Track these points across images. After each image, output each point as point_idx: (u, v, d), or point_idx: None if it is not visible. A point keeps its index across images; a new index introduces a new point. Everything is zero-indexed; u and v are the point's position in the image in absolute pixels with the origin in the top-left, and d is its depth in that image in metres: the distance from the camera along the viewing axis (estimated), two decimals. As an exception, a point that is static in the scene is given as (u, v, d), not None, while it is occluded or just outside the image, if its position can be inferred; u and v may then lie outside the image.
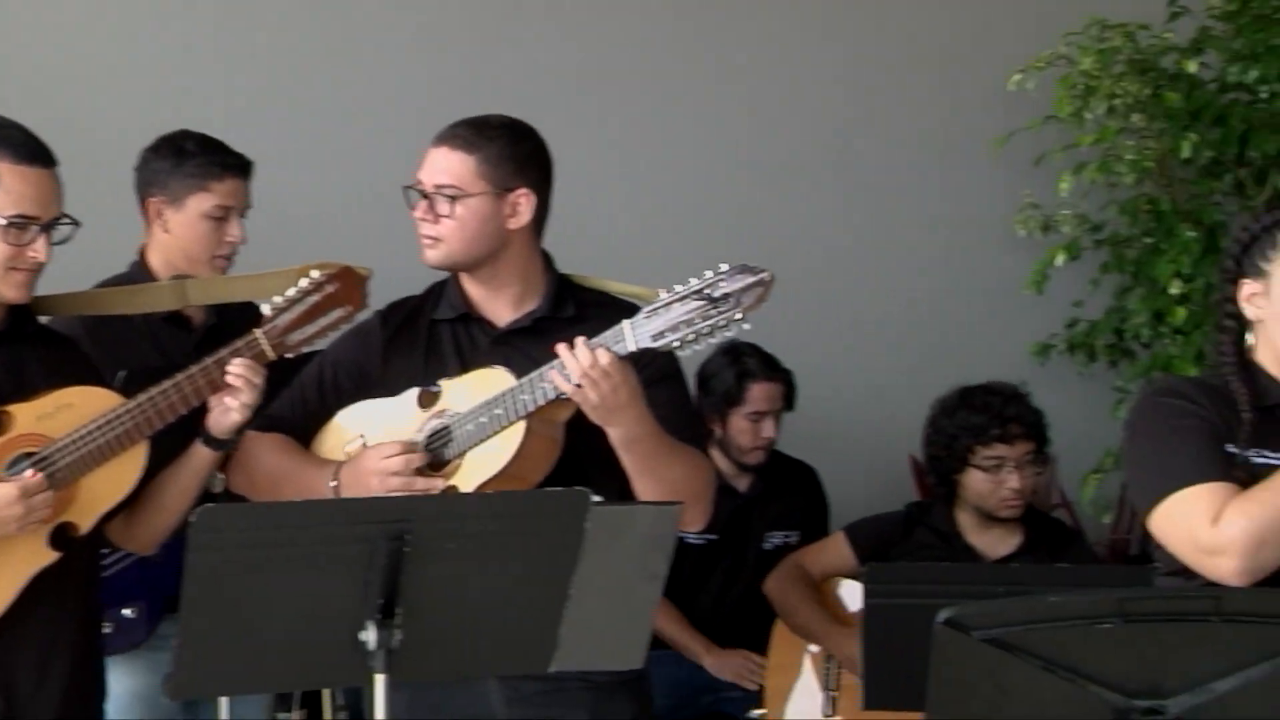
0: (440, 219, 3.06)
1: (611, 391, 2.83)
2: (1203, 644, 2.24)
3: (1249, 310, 2.75)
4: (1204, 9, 5.06)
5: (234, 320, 3.33)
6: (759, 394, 4.59)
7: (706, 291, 2.78)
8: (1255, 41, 4.87)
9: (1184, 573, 2.70)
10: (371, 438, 3.07)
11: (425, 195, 3.07)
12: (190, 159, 3.59)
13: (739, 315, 2.76)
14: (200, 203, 3.59)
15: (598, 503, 2.56)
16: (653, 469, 2.93)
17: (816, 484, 4.80)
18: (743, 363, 4.59)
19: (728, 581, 4.63)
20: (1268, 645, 2.24)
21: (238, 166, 3.61)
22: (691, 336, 2.79)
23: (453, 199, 3.05)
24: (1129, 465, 2.85)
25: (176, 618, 2.47)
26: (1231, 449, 2.67)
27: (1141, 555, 5.07)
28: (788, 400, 4.67)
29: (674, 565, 4.47)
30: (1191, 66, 4.90)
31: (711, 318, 2.77)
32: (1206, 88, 4.97)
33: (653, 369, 2.97)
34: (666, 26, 5.32)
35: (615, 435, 2.89)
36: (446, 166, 3.07)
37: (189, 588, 2.41)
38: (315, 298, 3.05)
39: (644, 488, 2.95)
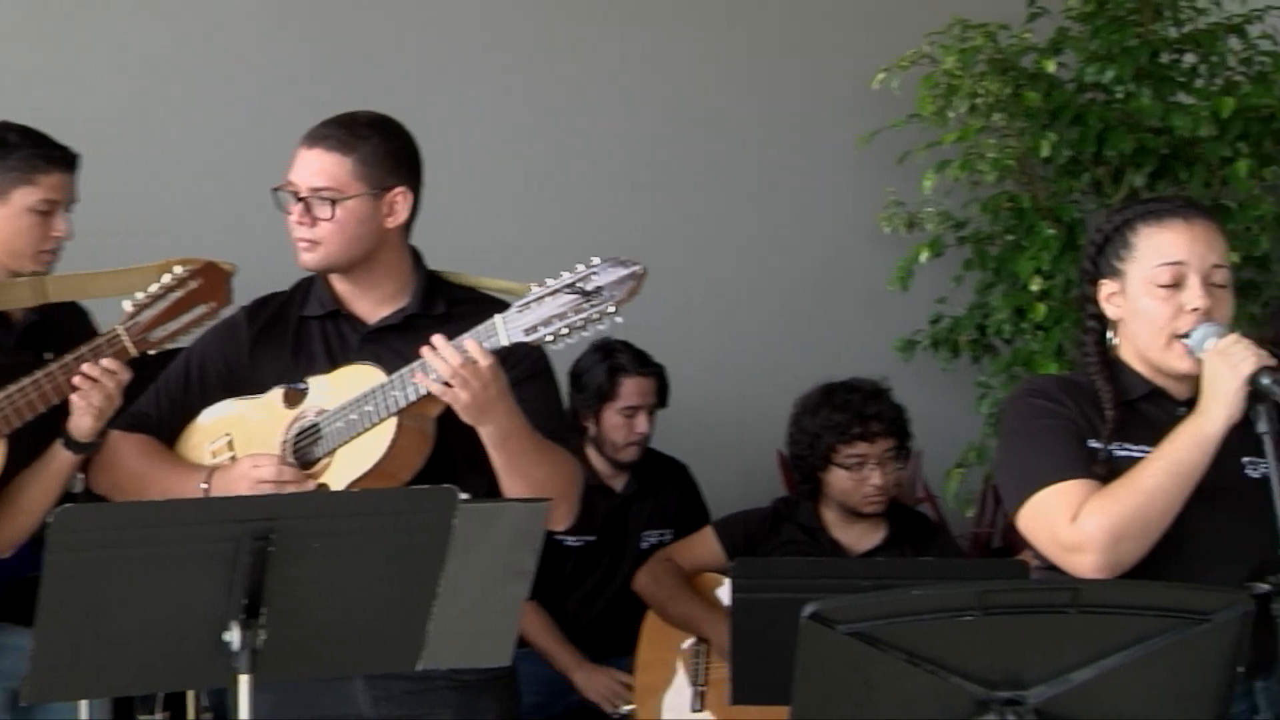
0: (318, 222, 3.02)
1: (482, 389, 2.82)
2: (1061, 635, 2.29)
3: (1109, 310, 2.81)
4: (1062, 10, 5.15)
5: (58, 319, 3.26)
6: (632, 388, 4.60)
7: (579, 285, 2.77)
8: (1111, 42, 4.95)
9: (1054, 568, 2.75)
10: (238, 437, 3.04)
11: (300, 198, 3.03)
12: (14, 152, 3.45)
13: (611, 309, 2.77)
14: (25, 197, 3.44)
15: (465, 500, 2.55)
16: (522, 466, 2.93)
17: (690, 481, 4.82)
18: (615, 358, 4.59)
19: (604, 581, 4.63)
20: (1123, 636, 2.28)
21: (63, 160, 3.47)
22: (564, 330, 2.79)
23: (331, 201, 3.01)
24: (997, 466, 2.90)
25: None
26: (1094, 444, 2.73)
27: (1004, 548, 5.18)
28: (660, 396, 4.68)
29: (552, 567, 4.52)
30: (1050, 66, 4.97)
31: (584, 311, 2.77)
32: (1065, 87, 5.04)
33: (522, 366, 2.97)
34: (537, 21, 5.31)
35: (486, 433, 2.88)
36: (322, 168, 3.03)
37: (47, 589, 2.37)
38: (178, 294, 3.01)
39: (512, 485, 2.94)
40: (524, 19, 5.30)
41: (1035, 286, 4.91)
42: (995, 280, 5.15)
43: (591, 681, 4.50)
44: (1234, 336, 2.64)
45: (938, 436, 5.09)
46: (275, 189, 3.06)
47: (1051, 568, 2.76)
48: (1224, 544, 2.60)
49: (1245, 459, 2.69)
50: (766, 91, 5.49)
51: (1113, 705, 2.33)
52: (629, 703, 4.42)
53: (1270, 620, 2.50)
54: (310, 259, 3.06)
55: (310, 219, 3.02)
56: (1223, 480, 2.65)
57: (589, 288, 2.76)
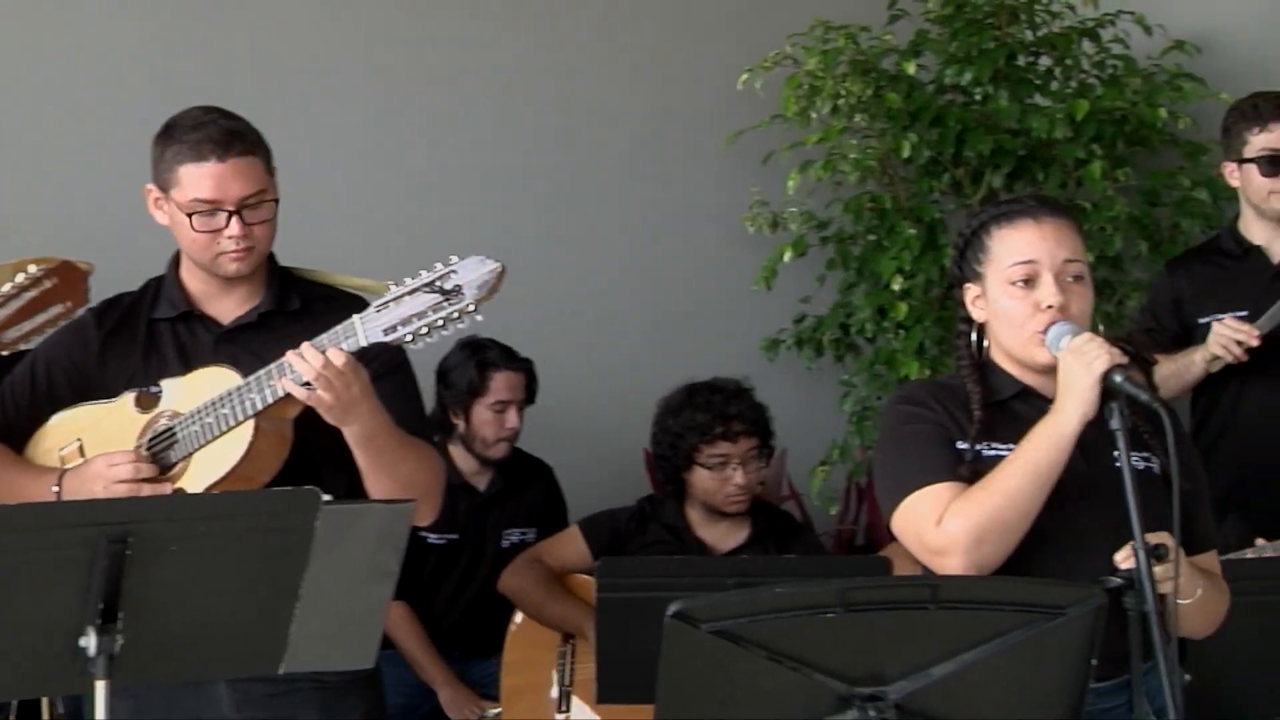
0: (252, 228, 2.98)
1: (345, 389, 2.80)
2: (921, 630, 2.32)
3: (975, 313, 2.85)
4: (921, 13, 5.21)
5: None
6: (502, 383, 4.58)
7: (438, 284, 2.75)
8: (969, 45, 5.02)
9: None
10: (89, 441, 2.98)
11: (233, 211, 2.97)
12: None
13: (471, 307, 2.75)
14: None
15: (328, 501, 2.53)
16: (386, 464, 2.91)
17: (552, 480, 4.82)
18: (484, 353, 4.58)
19: (465, 580, 4.61)
20: (981, 631, 2.32)
21: None
22: (424, 329, 2.76)
23: (259, 205, 2.98)
24: (874, 473, 2.93)
25: None
26: (962, 445, 2.76)
27: (867, 545, 5.24)
28: (529, 391, 4.67)
29: (414, 565, 4.48)
30: (910, 68, 5.03)
31: (444, 310, 2.75)
32: (925, 89, 5.11)
33: (380, 362, 2.95)
34: (399, 19, 5.27)
35: (350, 433, 2.86)
36: (251, 173, 2.99)
37: (-104, 597, 2.32)
38: (33, 293, 2.95)
39: (377, 483, 2.92)
40: (398, 15, 5.26)
41: (897, 286, 4.96)
42: (858, 280, 5.20)
43: (456, 702, 4.47)
44: (1087, 335, 2.68)
45: (802, 435, 5.13)
46: (208, 209, 2.96)
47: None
48: (1100, 537, 2.63)
49: (1116, 452, 2.73)
50: (632, 91, 5.50)
51: (971, 699, 2.36)
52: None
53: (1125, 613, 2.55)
54: (244, 266, 3.01)
55: (244, 227, 2.97)
56: (1095, 475, 2.68)
57: (448, 286, 2.74)
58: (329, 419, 2.84)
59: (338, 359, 2.78)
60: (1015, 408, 2.79)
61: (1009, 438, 2.73)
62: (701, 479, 4.29)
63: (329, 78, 5.15)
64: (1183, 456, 2.73)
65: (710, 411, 4.27)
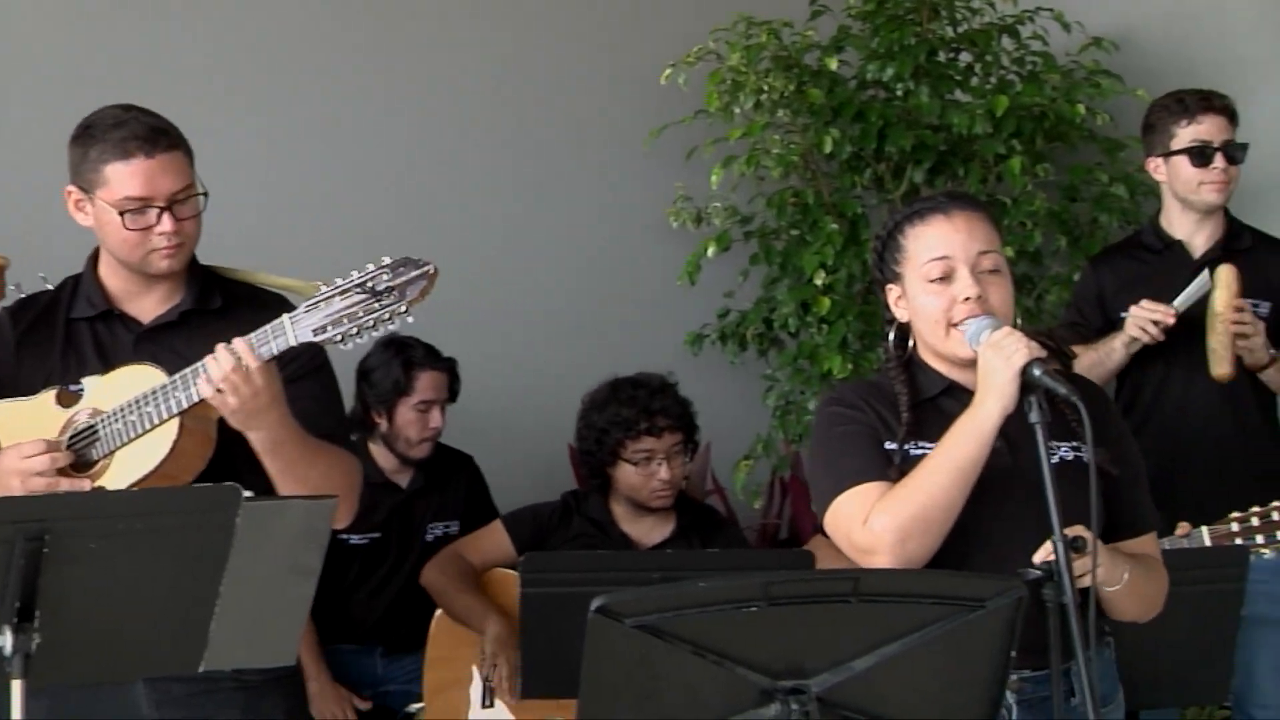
0: (182, 223, 2.96)
1: (251, 396, 2.77)
2: (843, 624, 2.33)
3: (898, 313, 2.87)
4: (843, 9, 5.24)
5: None
6: (427, 383, 4.56)
7: (369, 285, 2.74)
8: (890, 41, 5.05)
9: None
10: (6, 438, 2.95)
11: (165, 207, 2.94)
12: None
13: (403, 308, 2.74)
14: None
15: (249, 498, 2.51)
16: (296, 471, 2.89)
17: (475, 472, 4.80)
18: (407, 353, 4.55)
19: (390, 578, 4.59)
20: (902, 623, 2.33)
21: None
22: (354, 330, 2.75)
23: (187, 199, 2.96)
24: (808, 475, 2.94)
25: None
26: (891, 446, 2.78)
27: (791, 539, 5.27)
28: (452, 390, 4.65)
29: (338, 566, 4.46)
30: (832, 64, 5.06)
31: (374, 311, 2.74)
32: (847, 84, 5.13)
33: (299, 362, 2.93)
34: (326, 16, 5.23)
35: (255, 439, 2.84)
36: (178, 169, 2.96)
37: None
38: (-53, 288, 2.92)
39: (286, 489, 2.90)
40: (323, 15, 5.22)
41: (819, 281, 4.99)
42: (781, 275, 5.22)
43: (322, 700, 4.43)
44: (1006, 329, 2.70)
45: (726, 429, 5.14)
46: (139, 205, 2.93)
47: None
48: (1031, 530, 2.65)
49: (1048, 444, 2.74)
50: (556, 87, 5.49)
51: (893, 691, 2.37)
52: None
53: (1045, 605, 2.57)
54: (175, 263, 2.99)
55: (177, 222, 2.94)
56: (1023, 468, 2.69)
57: (379, 287, 2.72)
58: (233, 423, 2.82)
59: (249, 362, 2.76)
60: (943, 404, 2.81)
61: (937, 435, 2.74)
62: (626, 474, 4.30)
63: (256, 77, 5.11)
64: (1116, 440, 2.77)
65: (635, 406, 4.28)
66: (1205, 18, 5.45)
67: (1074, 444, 2.76)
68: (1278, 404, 4.29)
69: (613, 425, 4.27)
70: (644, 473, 4.27)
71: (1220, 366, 4.01)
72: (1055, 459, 2.70)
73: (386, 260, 2.75)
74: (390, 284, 2.72)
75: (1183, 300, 4.04)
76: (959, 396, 2.79)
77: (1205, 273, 4.04)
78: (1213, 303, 4.01)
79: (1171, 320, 4.00)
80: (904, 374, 2.84)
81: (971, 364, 2.75)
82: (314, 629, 4.43)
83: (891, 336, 2.88)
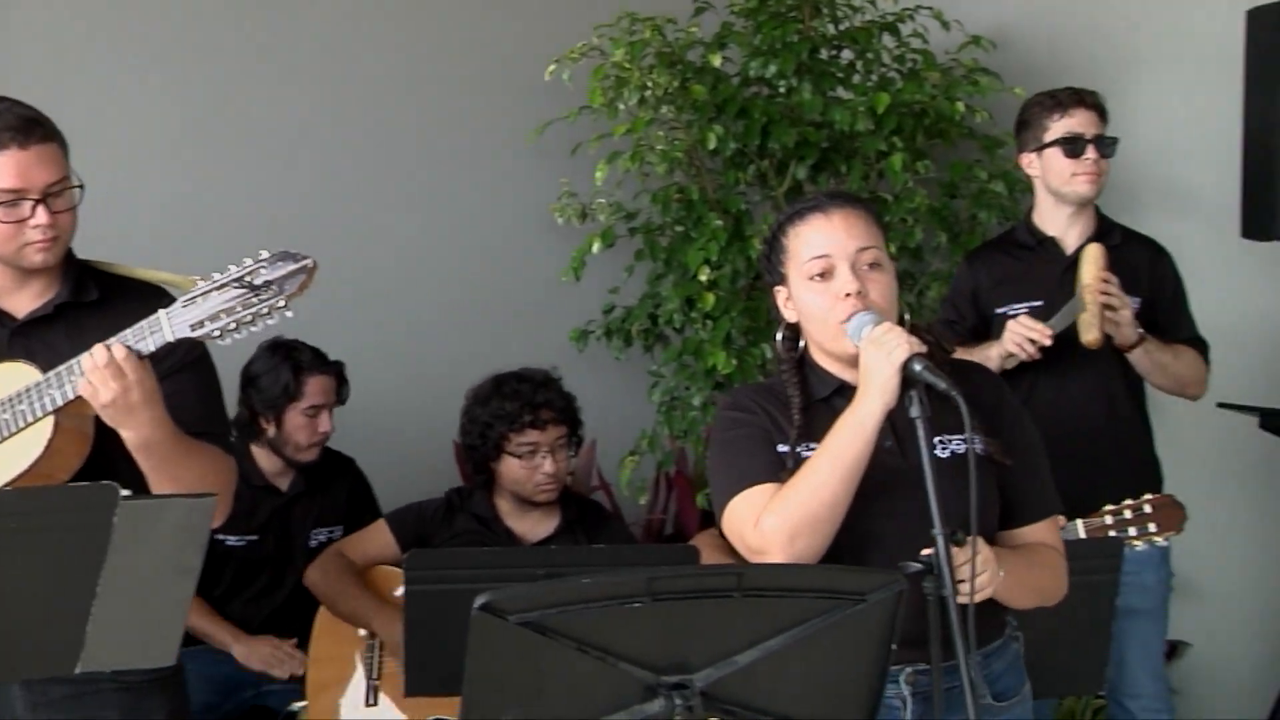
0: (57, 216, 2.91)
1: (123, 393, 2.74)
2: (726, 619, 2.34)
3: (787, 314, 2.89)
4: (726, 5, 5.26)
5: None
6: (316, 388, 4.51)
7: (247, 279, 2.71)
8: (773, 38, 5.07)
9: None
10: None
11: (40, 199, 2.88)
12: None
13: (282, 303, 2.71)
14: None
15: (126, 497, 2.48)
16: (169, 470, 2.86)
17: (358, 475, 4.77)
18: (295, 357, 4.50)
19: (272, 583, 4.55)
20: (785, 618, 2.35)
21: None
22: (232, 325, 2.72)
23: (62, 192, 2.91)
24: (708, 479, 2.97)
25: None
26: (783, 448, 2.80)
27: (676, 534, 5.28)
28: (340, 394, 4.61)
29: (215, 568, 4.41)
30: (716, 60, 5.08)
31: (253, 306, 2.71)
32: (730, 81, 5.15)
33: (175, 357, 2.90)
34: (210, 9, 5.16)
35: (128, 437, 2.80)
36: (53, 160, 2.91)
37: None
38: None
39: (160, 488, 2.87)
40: (202, 5, 5.15)
41: (704, 277, 5.00)
42: (665, 271, 5.23)
43: (251, 651, 4.41)
44: (887, 325, 2.73)
45: (611, 425, 5.15)
46: (12, 198, 2.88)
47: None
48: (921, 524, 2.67)
49: (939, 438, 2.77)
50: (439, 82, 5.47)
51: (776, 685, 2.39)
52: (294, 666, 4.37)
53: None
54: (50, 256, 2.94)
55: (51, 216, 2.89)
56: (912, 463, 2.71)
57: (257, 282, 2.70)
58: (105, 419, 2.78)
59: (120, 360, 2.72)
60: (836, 404, 2.82)
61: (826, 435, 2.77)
62: (511, 468, 4.29)
63: (133, 70, 5.03)
64: (1010, 427, 2.80)
65: (519, 400, 4.28)
66: (1080, 18, 5.55)
67: (963, 436, 2.78)
68: (1145, 392, 4.38)
69: (496, 419, 4.27)
70: (528, 466, 4.27)
71: (1089, 333, 4.07)
72: (947, 452, 2.74)
73: (265, 255, 2.73)
74: (269, 278, 2.70)
75: (1059, 320, 4.09)
76: (850, 396, 2.81)
77: (1074, 299, 4.10)
78: (1080, 276, 4.08)
79: (1048, 341, 4.06)
80: (796, 375, 2.87)
81: (856, 361, 2.78)
82: (204, 602, 4.39)
83: (780, 338, 2.91)
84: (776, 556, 2.68)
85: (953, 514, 2.58)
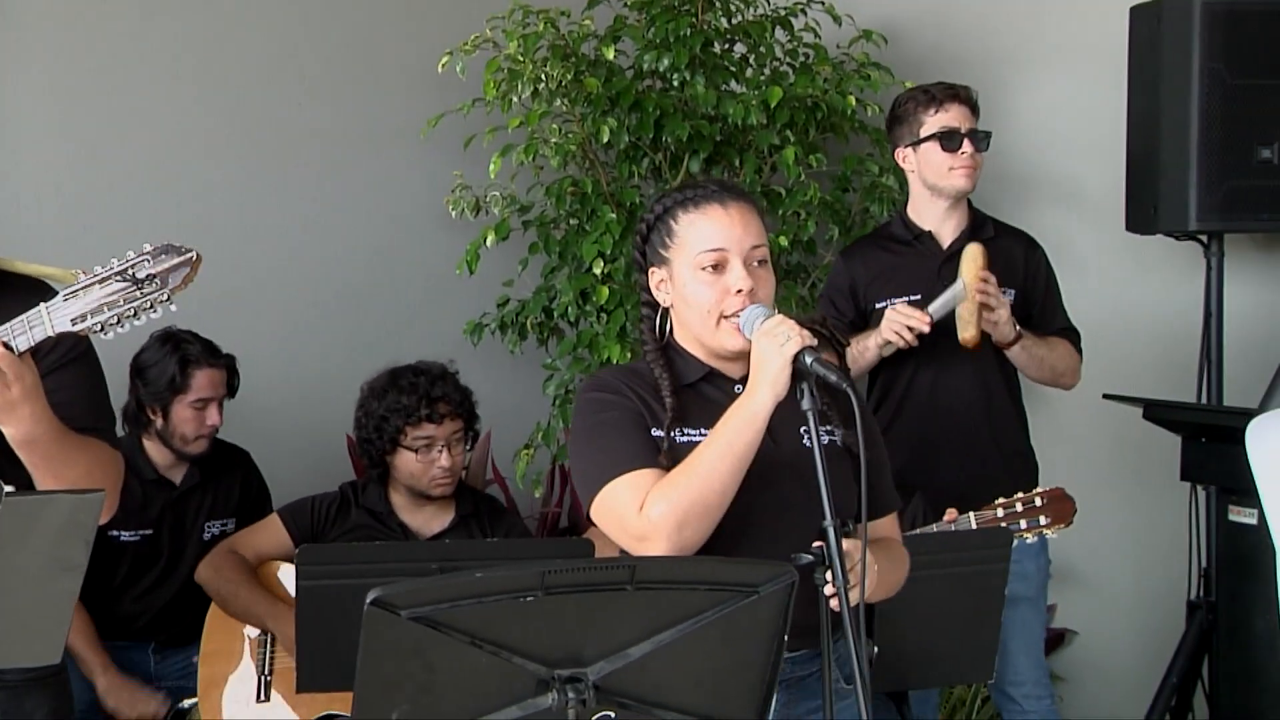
0: None
1: (3, 389, 2.69)
2: (619, 612, 2.35)
3: (660, 297, 2.89)
4: (619, -2, 5.27)
5: None
6: (204, 381, 4.46)
7: (130, 272, 2.67)
8: (666, 31, 5.08)
9: None
10: None
11: None
12: None
13: (165, 296, 2.68)
14: None
15: (10, 492, 2.44)
16: (53, 468, 2.80)
17: (252, 467, 4.73)
18: (184, 350, 4.45)
19: (164, 576, 4.50)
20: (678, 611, 2.36)
21: None
22: (114, 319, 2.68)
23: None
24: (570, 464, 2.94)
25: None
26: (657, 433, 2.79)
27: (571, 527, 5.29)
28: (230, 387, 4.56)
29: (107, 563, 4.35)
30: (609, 53, 5.08)
31: (136, 299, 2.67)
32: (624, 74, 5.16)
33: (59, 351, 2.85)
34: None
35: (10, 434, 2.75)
36: None
37: None
38: None
39: (45, 485, 2.82)
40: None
41: (598, 270, 5.00)
42: (560, 264, 5.23)
43: (114, 693, 4.34)
44: (779, 317, 2.74)
45: (506, 418, 5.14)
46: None
47: None
48: (795, 514, 2.70)
49: (803, 429, 2.78)
50: (332, 73, 5.43)
51: (669, 677, 2.40)
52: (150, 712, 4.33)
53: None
54: None
55: None
56: (785, 454, 2.74)
57: (140, 275, 2.66)
58: None
59: (1, 358, 2.67)
60: (705, 391, 2.84)
61: (701, 421, 2.77)
62: (406, 462, 4.28)
63: (14, 61, 4.94)
64: (865, 423, 2.83)
65: (415, 393, 4.26)
66: (969, 14, 5.62)
67: (826, 427, 2.82)
68: (1020, 384, 4.44)
69: (393, 412, 4.25)
70: (424, 460, 4.26)
71: (966, 331, 4.13)
72: (825, 440, 2.75)
73: (148, 247, 2.69)
74: (151, 271, 2.66)
75: (938, 307, 4.14)
76: (719, 384, 2.83)
77: (960, 281, 4.15)
78: (961, 274, 4.13)
79: (927, 327, 4.11)
80: (663, 359, 2.86)
81: (735, 354, 2.79)
82: (90, 621, 4.34)
83: (655, 320, 2.90)
84: (661, 544, 2.67)
85: (821, 507, 2.61)
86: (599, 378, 2.97)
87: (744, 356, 2.81)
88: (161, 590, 4.49)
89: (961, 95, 4.30)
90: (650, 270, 2.88)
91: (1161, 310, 5.29)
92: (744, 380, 2.81)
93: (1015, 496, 3.83)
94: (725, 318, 2.79)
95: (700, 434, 2.76)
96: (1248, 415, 3.87)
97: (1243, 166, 4.75)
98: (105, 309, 2.66)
